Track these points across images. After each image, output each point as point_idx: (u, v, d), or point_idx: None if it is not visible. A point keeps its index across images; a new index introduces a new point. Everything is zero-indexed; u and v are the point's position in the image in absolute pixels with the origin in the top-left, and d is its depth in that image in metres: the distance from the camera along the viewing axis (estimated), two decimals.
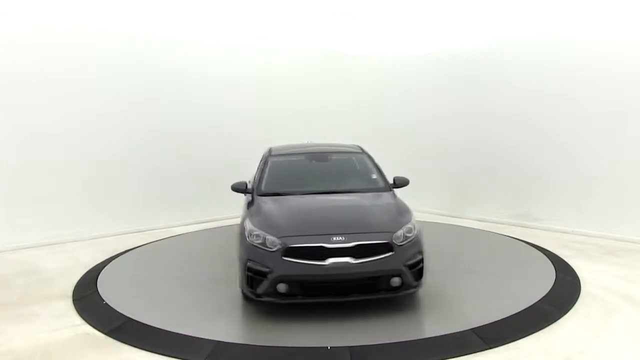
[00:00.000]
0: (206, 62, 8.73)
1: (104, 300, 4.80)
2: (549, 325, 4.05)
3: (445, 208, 9.10)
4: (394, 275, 4.23)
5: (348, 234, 4.23)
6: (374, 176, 5.49)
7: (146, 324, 4.22)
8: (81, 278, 5.58)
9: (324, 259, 4.14)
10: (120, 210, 7.90)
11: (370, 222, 4.51)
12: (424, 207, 9.18)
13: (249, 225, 4.54)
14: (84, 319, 4.41)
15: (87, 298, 4.93)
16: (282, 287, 4.18)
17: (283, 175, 5.63)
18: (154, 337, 3.99)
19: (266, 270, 4.17)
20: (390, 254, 4.23)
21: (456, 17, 8.45)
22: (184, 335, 3.98)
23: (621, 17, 6.82)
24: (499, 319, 4.14)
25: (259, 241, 4.33)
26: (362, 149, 6.05)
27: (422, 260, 4.39)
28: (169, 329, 4.09)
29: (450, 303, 4.67)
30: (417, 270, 4.35)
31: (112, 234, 7.67)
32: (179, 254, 6.82)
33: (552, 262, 5.84)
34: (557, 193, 7.69)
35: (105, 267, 5.97)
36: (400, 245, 4.30)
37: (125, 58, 7.90)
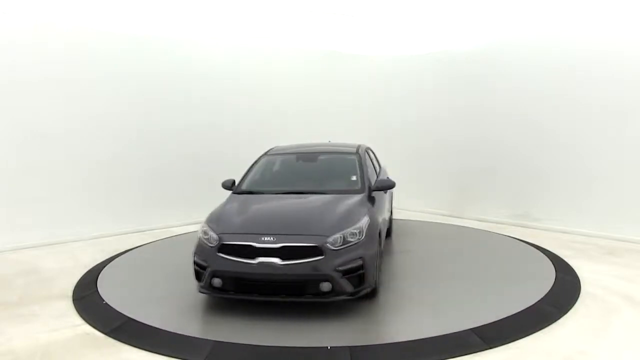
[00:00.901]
0: (206, 62, 8.74)
1: (104, 300, 4.80)
2: (549, 325, 4.05)
3: (445, 208, 9.11)
4: (323, 280, 4.15)
5: (279, 235, 4.26)
6: (354, 178, 5.39)
7: (146, 324, 4.22)
8: (81, 278, 5.58)
9: (253, 257, 4.22)
10: (120, 210, 7.90)
11: (307, 225, 4.44)
12: (424, 207, 9.20)
13: (204, 221, 4.77)
14: (84, 319, 4.41)
15: (87, 298, 4.93)
16: (216, 282, 4.35)
17: (266, 175, 5.86)
18: (154, 337, 3.99)
19: (205, 264, 4.38)
20: (319, 257, 4.16)
21: (456, 17, 8.44)
22: (184, 335, 3.98)
23: (621, 17, 6.82)
24: (499, 319, 4.14)
25: (205, 237, 4.54)
26: (358, 150, 5.97)
27: (362, 267, 4.22)
28: (169, 329, 4.09)
29: (450, 303, 4.67)
30: (355, 276, 4.22)
31: (112, 234, 7.68)
32: (179, 254, 6.80)
33: (552, 262, 5.84)
34: (557, 193, 7.70)
35: (105, 267, 5.97)
36: (335, 249, 4.19)
37: (125, 58, 7.90)
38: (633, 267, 5.69)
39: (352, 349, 3.67)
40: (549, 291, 4.80)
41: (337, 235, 4.25)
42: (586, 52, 7.22)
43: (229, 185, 5.65)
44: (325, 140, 7.01)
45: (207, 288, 4.42)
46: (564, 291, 4.86)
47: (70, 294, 5.08)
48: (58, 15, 7.23)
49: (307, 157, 6.13)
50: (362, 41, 9.91)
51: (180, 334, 4.00)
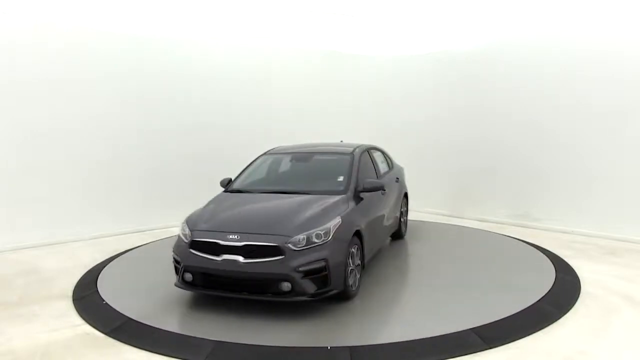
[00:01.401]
0: (206, 62, 8.74)
1: (104, 300, 4.80)
2: (549, 325, 4.05)
3: (445, 208, 9.11)
4: (282, 280, 4.19)
5: (244, 234, 4.34)
6: (340, 179, 5.36)
7: (146, 324, 4.22)
8: (81, 278, 5.58)
9: (218, 254, 4.35)
10: (120, 210, 7.90)
11: (272, 225, 4.46)
12: (424, 207, 9.20)
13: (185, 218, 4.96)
14: (84, 319, 4.41)
15: (87, 298, 4.93)
16: (188, 277, 4.55)
17: (259, 174, 5.96)
18: (154, 337, 3.99)
19: (179, 260, 4.60)
20: (279, 257, 4.20)
21: (456, 17, 8.45)
22: (184, 335, 3.99)
23: (621, 17, 6.82)
24: (499, 319, 4.14)
25: (183, 233, 4.73)
26: (354, 150, 5.85)
27: (325, 268, 4.22)
28: (169, 329, 4.09)
29: (450, 303, 4.67)
30: (318, 277, 4.23)
31: (112, 234, 7.68)
32: None
33: (552, 262, 5.84)
34: (557, 193, 7.70)
35: (105, 267, 5.97)
36: (297, 250, 4.21)
37: (125, 58, 7.90)
38: (633, 267, 5.70)
39: (352, 349, 3.67)
40: (549, 291, 4.80)
41: (301, 236, 4.26)
42: (586, 52, 7.22)
43: (225, 183, 5.81)
44: (337, 140, 7.00)
45: (181, 282, 4.61)
46: (564, 291, 4.86)
47: (70, 294, 5.08)
48: (58, 15, 7.23)
49: (301, 157, 6.16)
50: (362, 41, 9.91)
51: (180, 334, 4.01)
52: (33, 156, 7.17)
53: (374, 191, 5.31)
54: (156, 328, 4.13)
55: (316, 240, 4.29)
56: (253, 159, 6.34)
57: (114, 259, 6.39)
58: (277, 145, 6.58)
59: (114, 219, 7.82)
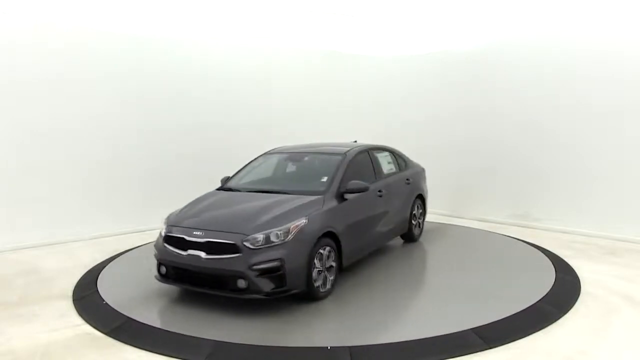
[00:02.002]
0: (206, 62, 8.74)
1: (104, 300, 4.80)
2: (549, 325, 4.05)
3: (445, 208, 9.11)
4: (238, 277, 4.30)
5: (207, 231, 4.53)
6: (324, 179, 5.35)
7: (146, 324, 4.22)
8: (81, 278, 5.58)
9: (185, 249, 4.58)
10: (120, 210, 7.90)
11: (234, 223, 4.59)
12: None
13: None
14: (84, 319, 4.41)
15: (87, 298, 4.93)
16: (162, 270, 4.82)
17: (253, 173, 6.07)
18: (154, 337, 3.99)
19: (156, 253, 4.87)
20: (236, 255, 4.32)
21: (456, 17, 8.44)
22: (184, 335, 3.98)
23: (621, 17, 6.82)
24: (499, 319, 4.14)
25: (162, 228, 4.97)
26: (348, 151, 5.81)
27: (280, 267, 4.29)
28: (169, 329, 4.09)
29: (450, 303, 4.67)
30: (274, 276, 4.30)
31: (112, 234, 7.68)
32: None
33: (552, 262, 5.84)
34: (557, 193, 7.70)
35: (105, 267, 5.97)
36: (254, 248, 4.30)
37: (125, 58, 7.90)
38: (633, 267, 5.70)
39: (352, 349, 3.67)
40: (549, 291, 4.80)
41: (259, 235, 4.35)
42: (586, 52, 7.22)
43: (224, 181, 5.97)
44: (350, 140, 6.99)
45: (158, 275, 4.87)
46: (564, 291, 4.86)
47: (70, 294, 5.08)
48: (58, 15, 7.23)
49: (294, 157, 6.20)
50: (362, 41, 9.91)
51: (180, 334, 4.00)
52: (33, 156, 7.16)
53: (357, 192, 5.22)
54: (156, 328, 4.14)
55: (274, 240, 4.36)
56: (252, 158, 6.36)
57: (114, 259, 6.39)
58: (281, 145, 6.61)
59: (114, 219, 7.82)
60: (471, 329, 3.95)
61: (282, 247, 4.35)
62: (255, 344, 3.80)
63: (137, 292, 5.19)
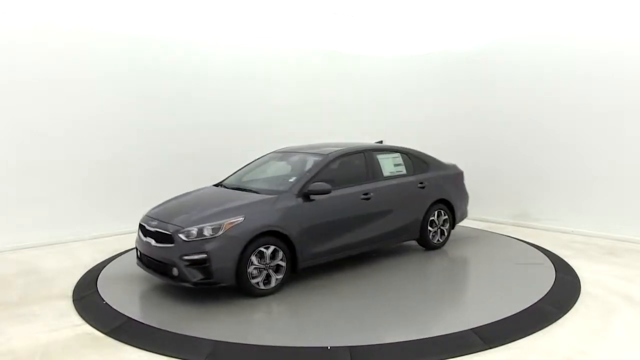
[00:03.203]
0: (206, 62, 8.73)
1: (104, 300, 4.80)
2: (549, 325, 4.05)
3: None
4: (171, 265, 4.69)
5: (160, 221, 4.98)
6: (292, 179, 5.43)
7: (146, 324, 4.22)
8: (81, 278, 5.58)
9: (145, 237, 5.07)
10: (120, 210, 7.89)
11: (177, 216, 4.97)
12: None
13: None
14: (84, 319, 4.41)
15: (87, 298, 4.93)
16: (137, 254, 5.32)
17: (246, 171, 6.26)
18: (154, 337, 3.99)
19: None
20: (171, 245, 4.72)
21: (456, 17, 8.45)
22: (184, 335, 3.98)
23: (621, 17, 6.82)
24: (499, 319, 4.14)
25: None
26: (329, 153, 5.75)
27: (206, 260, 4.53)
28: (169, 329, 4.09)
29: (450, 303, 4.68)
30: (201, 268, 4.57)
31: (112, 234, 7.67)
32: None
33: (552, 262, 5.84)
34: (557, 193, 7.70)
35: (105, 267, 5.97)
36: (187, 240, 4.61)
37: (125, 58, 7.89)
38: (633, 267, 5.70)
39: (352, 349, 3.67)
40: (549, 291, 4.81)
41: (193, 229, 4.65)
42: (586, 52, 7.22)
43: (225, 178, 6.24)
44: (376, 140, 6.99)
45: (137, 259, 5.37)
46: (564, 291, 4.86)
47: (70, 294, 5.08)
48: (58, 15, 7.23)
49: (285, 157, 6.28)
50: (362, 41, 9.91)
51: (180, 334, 4.00)
52: (33, 156, 7.16)
53: (320, 194, 5.21)
54: (156, 328, 4.13)
55: (206, 234, 4.62)
56: (252, 158, 6.40)
57: (114, 259, 6.39)
58: (292, 144, 6.64)
59: (114, 219, 7.81)
60: (471, 329, 3.95)
61: (212, 241, 4.60)
62: (255, 343, 3.80)
63: (137, 292, 5.20)
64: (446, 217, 6.67)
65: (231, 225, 4.67)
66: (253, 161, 6.46)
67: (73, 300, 4.88)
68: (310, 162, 5.73)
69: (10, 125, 6.99)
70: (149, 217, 5.25)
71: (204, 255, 4.56)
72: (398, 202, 6.09)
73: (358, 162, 5.96)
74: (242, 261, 4.65)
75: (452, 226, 6.83)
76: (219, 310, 4.53)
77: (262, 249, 4.78)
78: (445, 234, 6.69)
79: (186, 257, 4.58)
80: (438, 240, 6.60)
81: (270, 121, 9.32)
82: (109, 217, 7.79)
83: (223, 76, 8.87)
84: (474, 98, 8.80)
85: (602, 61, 7.02)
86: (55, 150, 7.35)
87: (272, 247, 4.84)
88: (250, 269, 4.71)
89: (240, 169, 6.37)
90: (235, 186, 5.78)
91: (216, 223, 4.68)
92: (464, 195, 7.06)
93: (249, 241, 4.68)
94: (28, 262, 6.31)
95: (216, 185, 6.06)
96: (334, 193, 5.31)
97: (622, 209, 6.93)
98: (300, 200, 5.15)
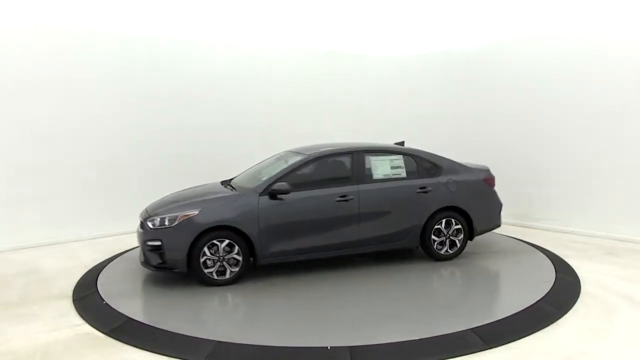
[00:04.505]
0: (206, 62, 8.73)
1: (104, 300, 4.80)
2: (549, 325, 4.05)
3: None
4: (142, 249, 5.34)
5: (146, 212, 5.50)
6: (264, 178, 5.58)
7: (146, 324, 4.22)
8: (81, 278, 5.58)
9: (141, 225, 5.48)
10: (120, 210, 7.89)
11: (157, 206, 5.55)
12: None
13: None
14: (84, 319, 4.41)
15: (87, 298, 4.93)
16: None
17: (250, 170, 6.40)
18: (154, 337, 3.99)
19: None
20: (142, 231, 5.31)
21: (456, 17, 8.45)
22: (184, 335, 3.98)
23: (621, 17, 6.82)
24: (499, 319, 4.14)
25: None
26: (310, 154, 5.77)
27: (160, 247, 5.07)
28: (169, 329, 4.09)
29: (450, 303, 4.68)
30: (158, 253, 5.12)
31: (112, 234, 7.68)
32: None
33: (552, 262, 5.84)
34: (557, 193, 7.70)
35: (105, 267, 5.98)
36: (151, 229, 5.18)
37: (125, 58, 7.90)
38: (633, 267, 5.70)
39: (352, 349, 3.67)
40: (549, 291, 4.81)
41: (157, 218, 5.20)
42: (586, 52, 7.22)
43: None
44: (397, 140, 6.83)
45: None
46: (564, 291, 4.86)
47: (70, 294, 5.08)
48: (58, 15, 7.23)
49: (284, 156, 6.28)
50: (362, 41, 9.91)
51: (180, 334, 4.00)
52: (33, 156, 7.17)
53: (281, 194, 5.33)
54: (156, 328, 4.13)
55: (165, 224, 5.12)
56: (252, 158, 6.44)
57: (114, 259, 6.40)
58: (301, 145, 6.58)
59: (114, 219, 7.81)
60: (471, 329, 3.95)
61: (167, 230, 5.10)
62: (255, 344, 3.80)
63: (137, 292, 5.20)
64: (459, 226, 6.02)
65: (185, 218, 5.09)
66: (266, 159, 6.52)
67: (73, 300, 4.88)
68: (290, 162, 5.78)
69: (10, 125, 7.00)
70: (144, 210, 5.70)
71: (159, 242, 5.08)
72: (389, 206, 5.78)
73: (343, 164, 5.85)
74: (194, 251, 5.04)
75: (471, 237, 6.17)
76: (219, 310, 4.53)
77: (216, 242, 5.09)
78: (458, 245, 6.04)
79: (148, 243, 5.15)
80: (447, 251, 6.00)
81: (270, 120, 9.32)
82: (109, 217, 7.79)
83: (223, 76, 8.88)
84: (474, 98, 8.80)
85: (602, 61, 7.02)
86: (55, 150, 7.35)
87: (226, 241, 5.12)
88: (203, 259, 5.07)
89: (252, 167, 6.45)
90: (233, 183, 6.01)
91: (173, 215, 5.15)
92: (488, 204, 6.37)
93: (200, 233, 5.04)
94: (28, 262, 6.31)
95: (223, 182, 6.22)
96: (304, 194, 5.42)
97: (622, 209, 6.93)
98: (265, 198, 5.30)
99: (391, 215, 5.78)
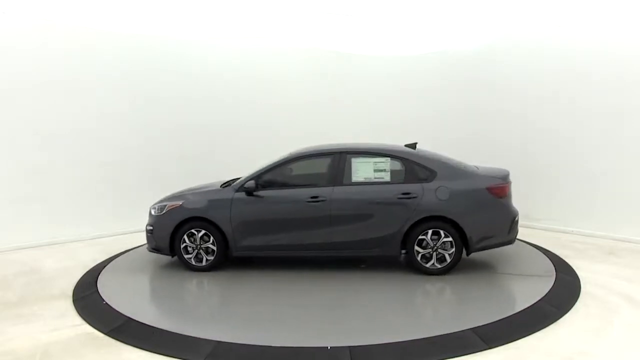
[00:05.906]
0: (207, 62, 8.74)
1: (104, 300, 4.80)
2: (549, 325, 4.05)
3: None
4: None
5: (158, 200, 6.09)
6: (244, 177, 5.85)
7: (146, 324, 4.22)
8: (81, 278, 5.58)
9: None
10: (120, 210, 7.90)
11: (165, 198, 6.09)
12: None
13: None
14: (84, 319, 4.41)
15: (87, 298, 4.93)
16: None
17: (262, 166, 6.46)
18: (154, 337, 3.99)
19: None
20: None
21: (456, 17, 8.45)
22: (184, 335, 3.98)
23: (621, 17, 6.82)
24: (499, 319, 4.14)
25: None
26: (288, 155, 5.84)
27: (152, 232, 5.85)
28: (169, 329, 4.09)
29: (450, 303, 4.67)
30: (151, 237, 5.91)
31: (112, 234, 7.68)
32: None
33: (552, 262, 5.84)
34: (557, 193, 7.70)
35: (106, 267, 5.98)
36: (153, 214, 5.93)
37: (126, 58, 7.90)
38: (633, 267, 5.70)
39: (352, 349, 3.67)
40: (549, 291, 4.80)
41: (156, 206, 5.91)
42: (586, 52, 7.22)
43: None
44: (409, 141, 6.54)
45: None
46: (564, 291, 4.86)
47: (70, 294, 5.08)
48: (58, 15, 7.23)
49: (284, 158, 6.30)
50: (363, 41, 9.91)
51: (180, 334, 4.00)
52: (33, 156, 7.17)
53: (249, 192, 5.59)
54: (156, 328, 4.13)
55: (159, 212, 5.82)
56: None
57: (114, 259, 6.40)
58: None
59: (114, 219, 7.82)
60: (471, 329, 3.95)
61: (157, 218, 5.82)
62: (255, 344, 3.79)
63: (137, 292, 5.20)
64: (449, 239, 5.35)
65: (171, 208, 5.74)
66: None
67: (73, 300, 4.89)
68: (275, 160, 5.93)
69: (11, 125, 7.00)
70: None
71: (151, 228, 5.86)
72: (364, 210, 5.43)
73: (323, 165, 5.71)
74: (176, 238, 5.67)
75: (467, 252, 5.53)
76: (219, 310, 4.53)
77: (194, 231, 5.63)
78: (447, 260, 5.37)
79: (147, 227, 5.91)
80: (433, 264, 5.38)
81: (270, 120, 9.32)
82: (109, 217, 7.80)
83: (223, 76, 8.88)
84: (473, 98, 8.80)
85: (602, 61, 7.02)
86: (55, 150, 7.35)
87: (202, 231, 5.61)
88: (184, 246, 5.67)
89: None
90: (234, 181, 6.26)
91: (164, 204, 5.83)
92: (491, 215, 5.46)
93: (179, 222, 5.63)
94: (28, 262, 6.31)
95: (230, 180, 6.42)
96: (278, 192, 5.61)
97: (622, 209, 6.93)
98: (241, 194, 5.62)
99: (367, 220, 5.42)
